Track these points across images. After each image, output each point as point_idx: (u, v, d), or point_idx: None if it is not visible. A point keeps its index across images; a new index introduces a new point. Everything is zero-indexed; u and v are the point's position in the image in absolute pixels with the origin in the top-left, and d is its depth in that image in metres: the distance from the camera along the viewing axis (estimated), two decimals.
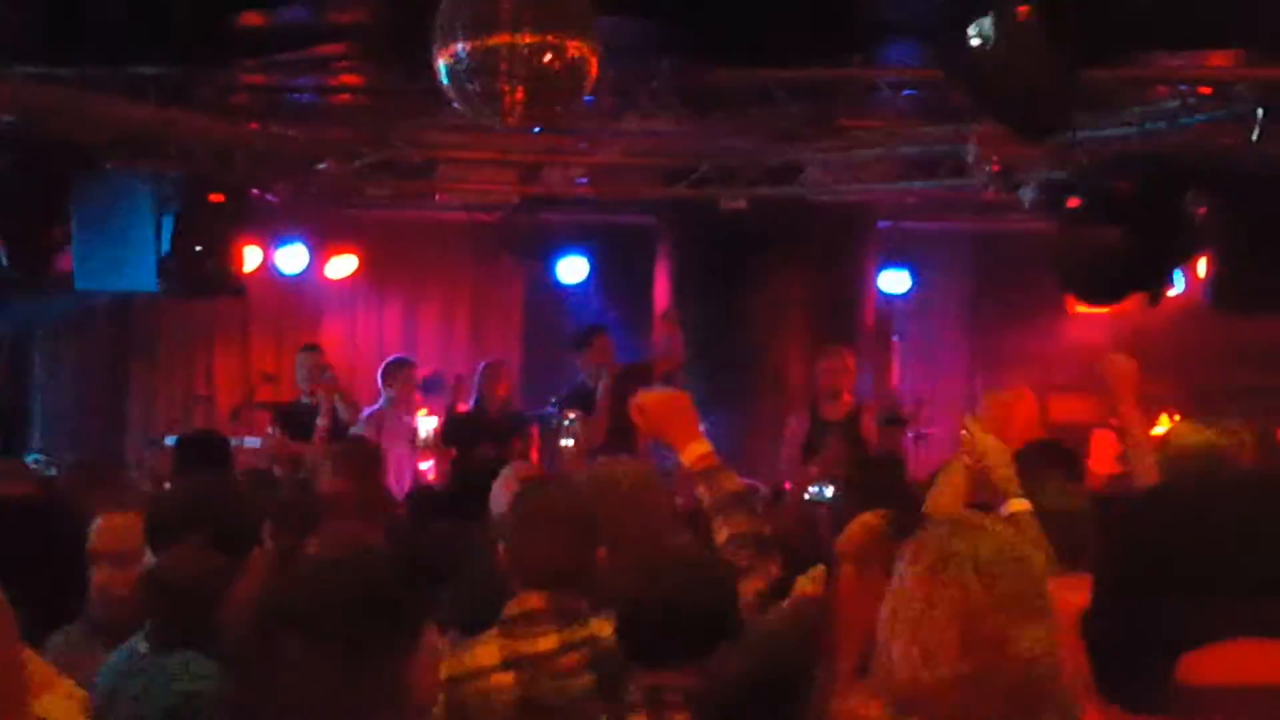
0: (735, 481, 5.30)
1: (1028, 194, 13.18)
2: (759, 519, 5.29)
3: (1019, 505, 5.16)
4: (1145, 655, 1.57)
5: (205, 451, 8.99)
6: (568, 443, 11.20)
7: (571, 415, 11.56)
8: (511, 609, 4.77)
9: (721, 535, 5.08)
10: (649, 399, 5.54)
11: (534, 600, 4.75)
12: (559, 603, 4.72)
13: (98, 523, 5.27)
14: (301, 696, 3.42)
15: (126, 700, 4.43)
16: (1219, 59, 11.53)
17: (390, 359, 13.98)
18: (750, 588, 4.85)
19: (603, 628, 4.54)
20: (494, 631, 4.76)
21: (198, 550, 4.67)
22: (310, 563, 4.16)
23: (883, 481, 7.11)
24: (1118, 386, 6.73)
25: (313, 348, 13.64)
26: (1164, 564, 1.60)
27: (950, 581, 3.22)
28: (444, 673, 4.42)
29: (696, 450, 5.29)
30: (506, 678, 4.67)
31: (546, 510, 4.95)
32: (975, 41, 8.64)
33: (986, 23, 8.59)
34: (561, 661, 4.63)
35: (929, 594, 3.22)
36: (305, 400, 13.10)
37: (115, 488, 7.05)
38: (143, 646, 4.50)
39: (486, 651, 4.73)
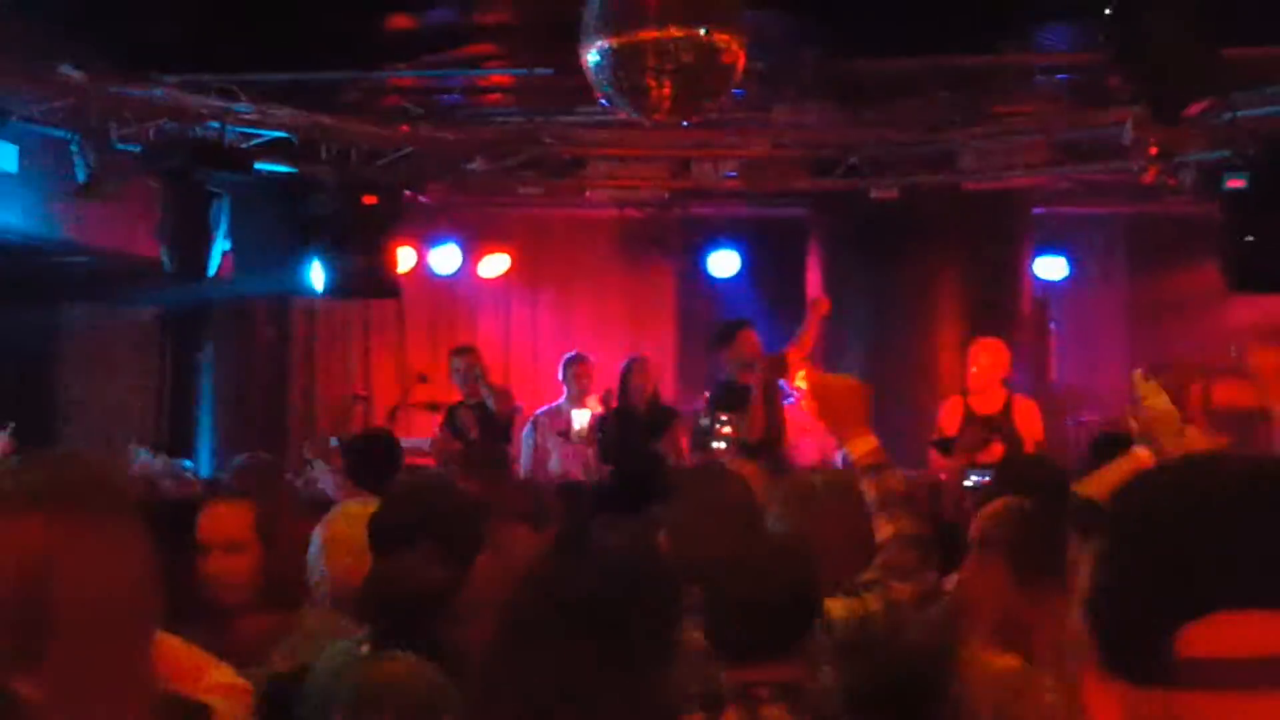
0: (901, 479, 5.14)
1: (1187, 176, 12.98)
2: (924, 520, 5.11)
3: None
4: (1151, 629, 1.53)
5: (378, 452, 9.02)
6: (720, 445, 11.12)
7: (724, 417, 11.48)
8: None
9: (885, 533, 4.91)
10: (831, 382, 5.46)
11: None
12: None
13: (204, 511, 5.28)
14: (557, 698, 3.39)
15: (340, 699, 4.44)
16: None
17: (567, 355, 13.98)
18: (908, 590, 4.75)
19: None
20: None
21: (424, 557, 4.65)
22: (582, 559, 4.09)
23: (1031, 470, 7.02)
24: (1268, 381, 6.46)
25: (466, 349, 13.66)
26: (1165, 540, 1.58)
27: None
28: None
29: (864, 444, 5.12)
30: None
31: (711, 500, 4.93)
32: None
33: None
34: None
35: None
36: (467, 401, 13.14)
37: (280, 488, 7.08)
38: (364, 648, 4.49)
39: None
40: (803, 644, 4.19)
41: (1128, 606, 1.57)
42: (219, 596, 5.09)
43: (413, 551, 4.65)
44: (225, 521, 5.16)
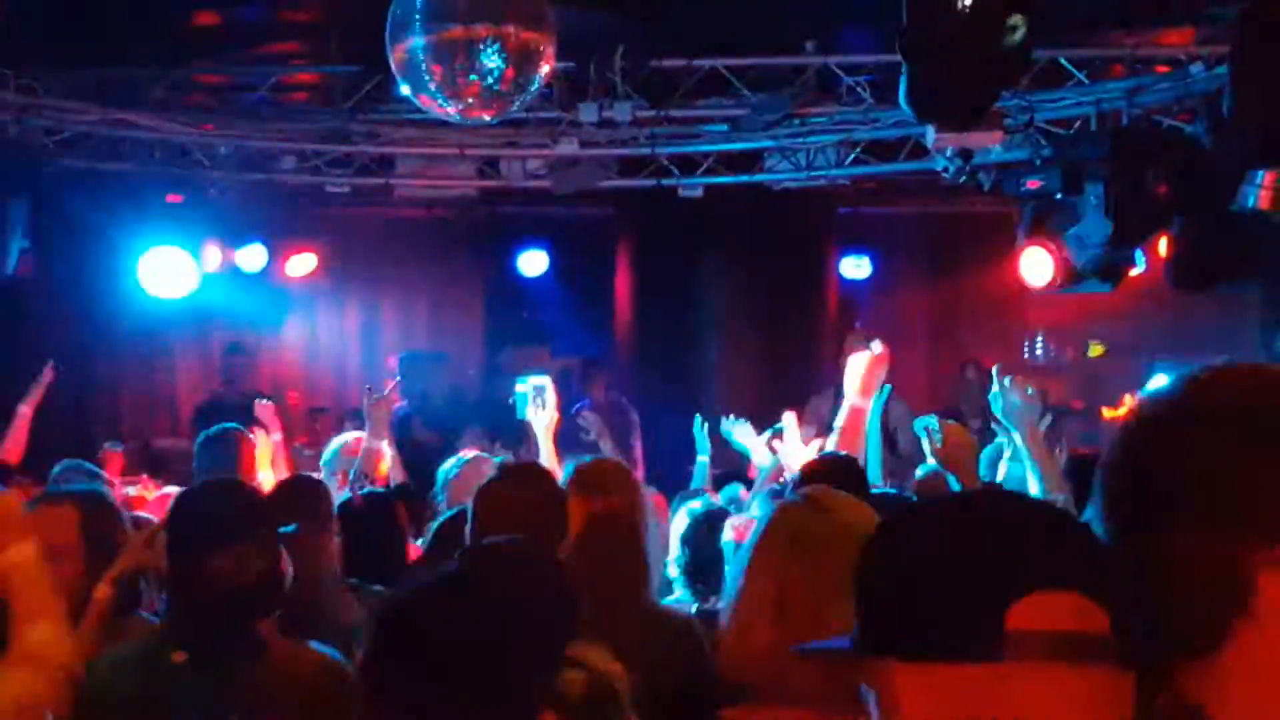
0: None
1: (987, 177, 13.23)
2: None
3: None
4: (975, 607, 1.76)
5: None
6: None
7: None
8: None
9: None
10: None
11: None
12: None
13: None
14: None
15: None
16: (1174, 36, 11.59)
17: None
18: None
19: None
20: None
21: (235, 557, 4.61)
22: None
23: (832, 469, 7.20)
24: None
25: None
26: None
27: (774, 554, 3.43)
28: None
29: None
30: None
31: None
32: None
33: None
34: None
35: (760, 564, 3.44)
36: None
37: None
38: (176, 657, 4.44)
39: None
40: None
41: (950, 596, 1.77)
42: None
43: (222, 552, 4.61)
44: (52, 526, 5.02)
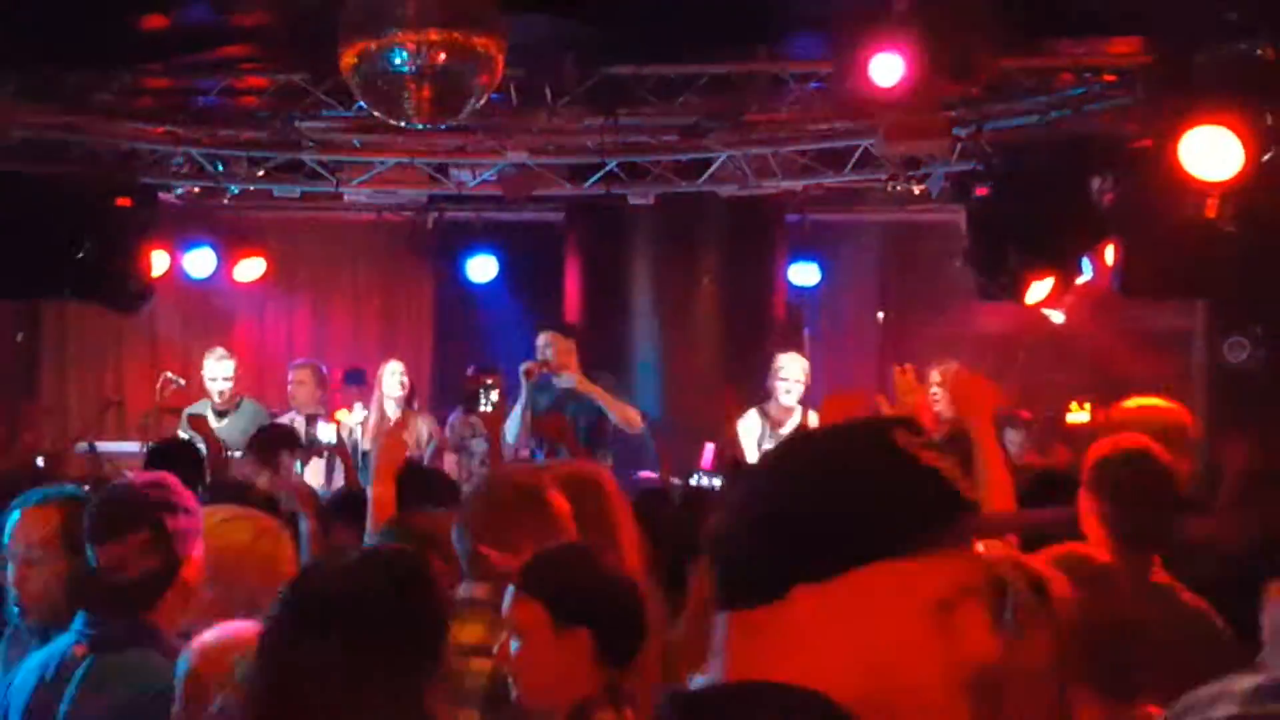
0: None
1: (935, 184, 13.29)
2: None
3: None
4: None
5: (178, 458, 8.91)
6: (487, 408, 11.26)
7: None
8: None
9: None
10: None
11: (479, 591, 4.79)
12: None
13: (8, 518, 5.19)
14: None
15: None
16: (1122, 45, 11.65)
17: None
18: None
19: None
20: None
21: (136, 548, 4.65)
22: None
23: None
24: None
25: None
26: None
27: None
28: None
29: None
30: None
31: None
32: None
33: None
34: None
35: None
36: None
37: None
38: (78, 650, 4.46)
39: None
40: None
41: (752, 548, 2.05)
42: (23, 607, 5.04)
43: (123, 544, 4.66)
44: (34, 526, 5.10)
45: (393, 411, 12.90)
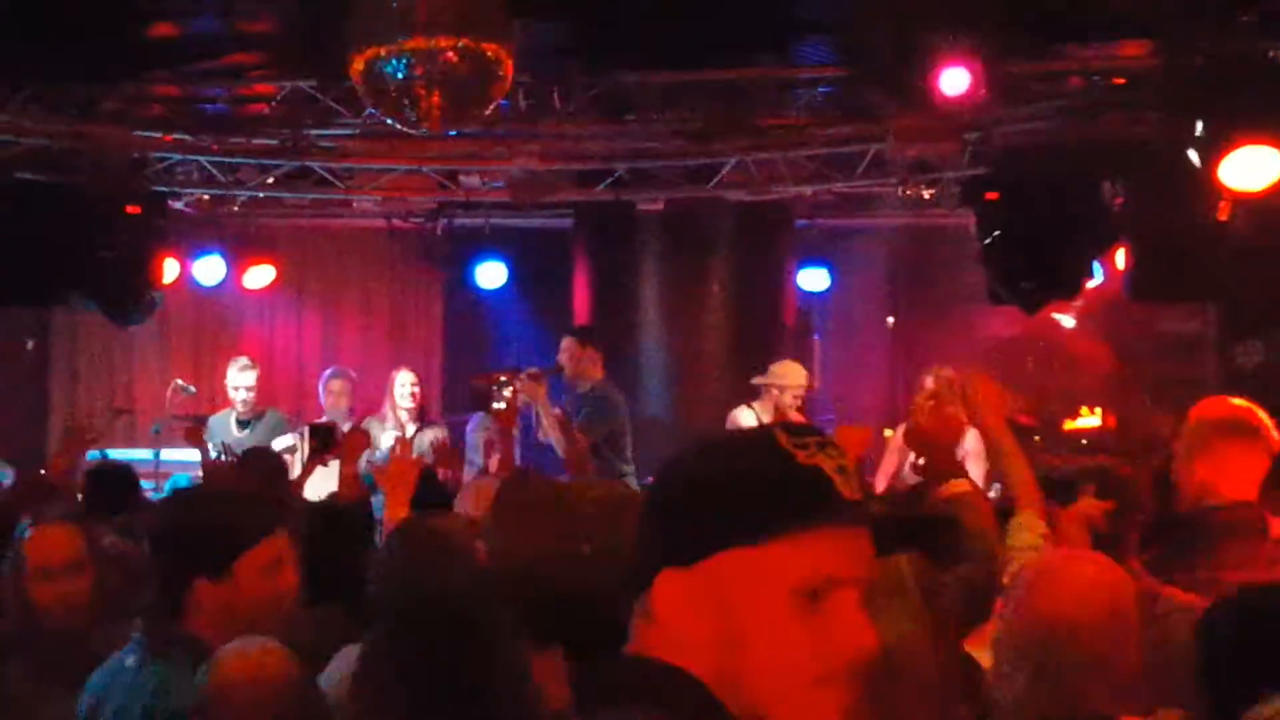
0: None
1: (944, 190, 13.28)
2: None
3: (959, 486, 5.25)
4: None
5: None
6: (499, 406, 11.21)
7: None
8: None
9: None
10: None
11: None
12: None
13: (34, 536, 5.22)
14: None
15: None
16: (1132, 49, 11.63)
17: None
18: None
19: None
20: None
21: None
22: None
23: None
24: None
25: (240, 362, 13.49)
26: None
27: None
28: None
29: None
30: None
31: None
32: None
33: None
34: None
35: None
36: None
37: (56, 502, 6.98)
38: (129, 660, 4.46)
39: None
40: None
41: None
42: (60, 620, 5.07)
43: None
44: (61, 544, 5.16)
45: (405, 420, 12.91)
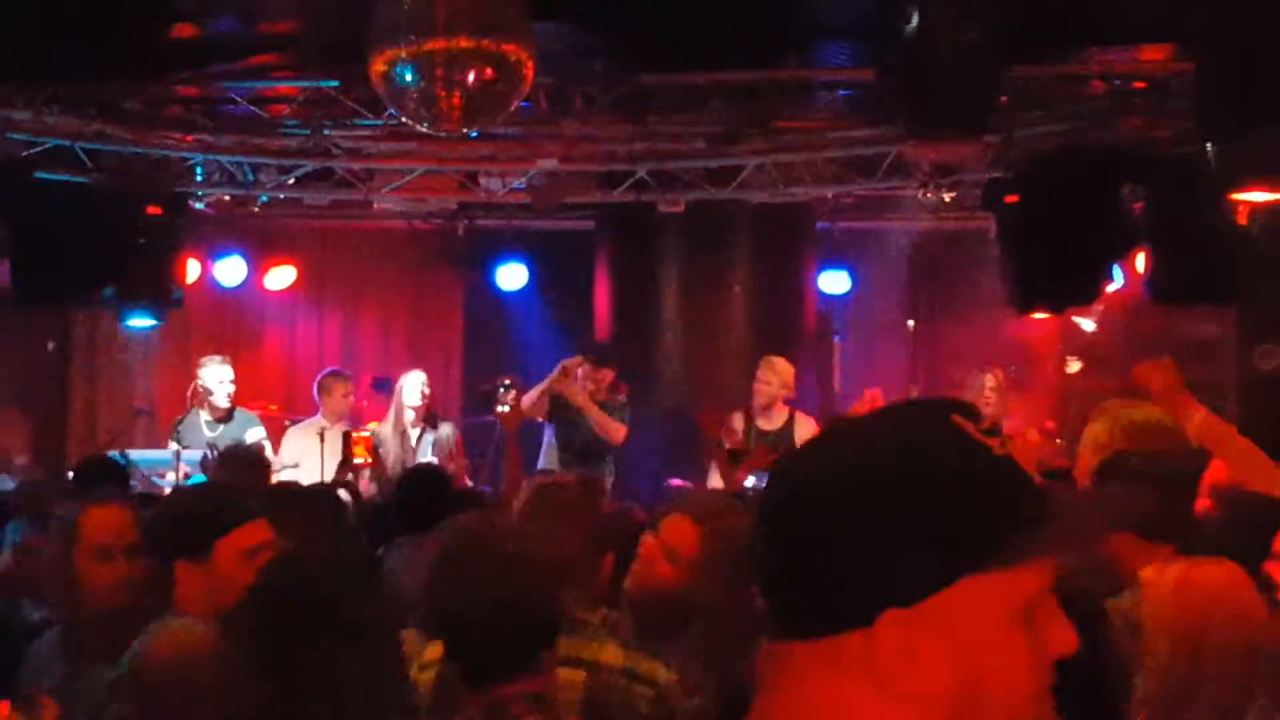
0: None
1: (965, 193, 13.27)
2: None
3: None
4: None
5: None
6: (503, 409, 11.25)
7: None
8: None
9: None
10: None
11: None
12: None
13: (89, 514, 5.25)
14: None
15: None
16: (1152, 53, 11.62)
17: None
18: None
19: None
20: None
21: None
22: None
23: None
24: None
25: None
26: None
27: None
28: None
29: None
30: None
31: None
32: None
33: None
34: None
35: None
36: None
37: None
38: None
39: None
40: (547, 655, 4.15)
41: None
42: (105, 601, 5.09)
43: None
44: (116, 523, 5.19)
45: (409, 420, 12.96)
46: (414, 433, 12.91)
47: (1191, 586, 4.20)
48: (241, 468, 9.16)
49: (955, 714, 1.80)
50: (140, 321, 14.12)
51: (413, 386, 13.11)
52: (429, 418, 13.05)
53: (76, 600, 5.12)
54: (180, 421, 12.82)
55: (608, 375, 12.42)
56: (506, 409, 11.06)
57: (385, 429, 12.94)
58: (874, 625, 1.78)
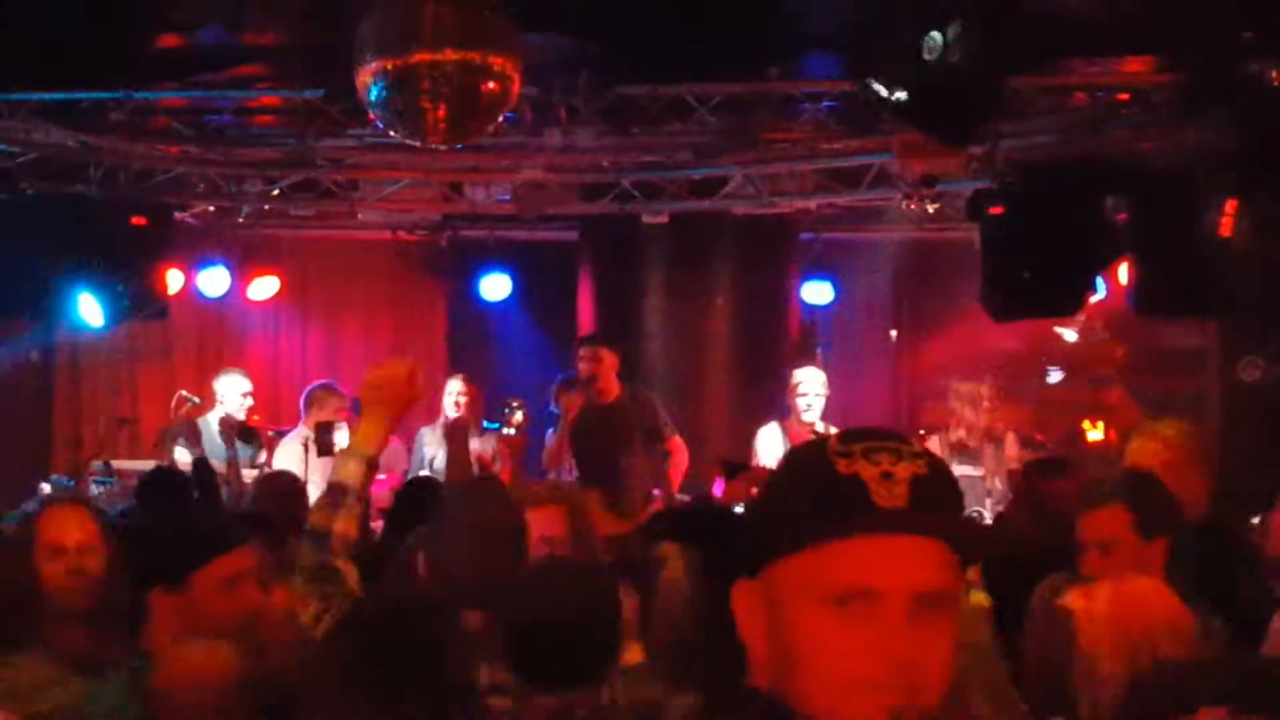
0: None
1: (950, 204, 13.29)
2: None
3: None
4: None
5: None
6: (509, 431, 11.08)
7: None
8: None
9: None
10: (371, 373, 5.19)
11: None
12: None
13: (45, 516, 5.27)
14: None
15: None
16: (1135, 64, 11.66)
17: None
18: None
19: None
20: None
21: None
22: None
23: None
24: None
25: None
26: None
27: None
28: None
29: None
30: None
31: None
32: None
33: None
34: None
35: None
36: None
37: None
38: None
39: None
40: (611, 667, 4.21)
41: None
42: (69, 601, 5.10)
43: None
44: (72, 524, 5.25)
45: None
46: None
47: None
48: (278, 499, 8.90)
49: (779, 674, 2.21)
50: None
51: (448, 396, 13.18)
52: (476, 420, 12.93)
53: (40, 602, 5.12)
54: (172, 430, 12.72)
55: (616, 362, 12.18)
56: (512, 432, 10.90)
57: (425, 434, 13.04)
58: (734, 586, 2.29)
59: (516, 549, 4.75)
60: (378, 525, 8.44)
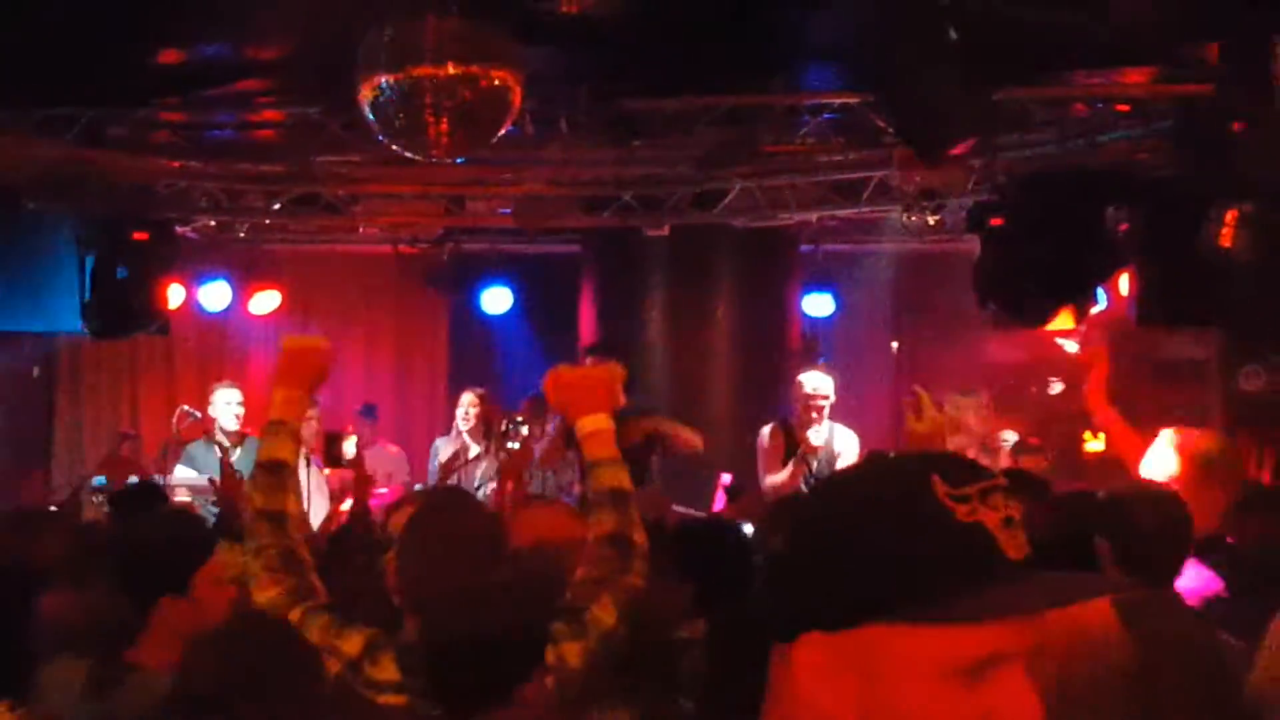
0: (618, 479, 4.98)
1: (949, 215, 13.30)
2: (630, 520, 4.91)
3: None
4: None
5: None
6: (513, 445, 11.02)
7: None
8: None
9: (590, 533, 4.89)
10: (564, 373, 5.43)
11: None
12: None
13: None
14: None
15: None
16: (1135, 76, 11.67)
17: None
18: (609, 606, 4.56)
19: None
20: None
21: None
22: None
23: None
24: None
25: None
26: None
27: None
28: None
29: (590, 424, 5.13)
30: None
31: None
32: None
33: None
34: None
35: None
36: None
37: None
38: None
39: None
40: (527, 691, 3.97)
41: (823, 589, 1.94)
42: None
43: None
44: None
45: (468, 442, 13.01)
46: (476, 448, 12.93)
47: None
48: None
49: None
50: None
51: (461, 408, 13.26)
52: (488, 434, 12.88)
53: None
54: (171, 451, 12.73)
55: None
56: (516, 446, 10.82)
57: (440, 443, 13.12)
58: (795, 641, 1.95)
59: (484, 560, 4.64)
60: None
